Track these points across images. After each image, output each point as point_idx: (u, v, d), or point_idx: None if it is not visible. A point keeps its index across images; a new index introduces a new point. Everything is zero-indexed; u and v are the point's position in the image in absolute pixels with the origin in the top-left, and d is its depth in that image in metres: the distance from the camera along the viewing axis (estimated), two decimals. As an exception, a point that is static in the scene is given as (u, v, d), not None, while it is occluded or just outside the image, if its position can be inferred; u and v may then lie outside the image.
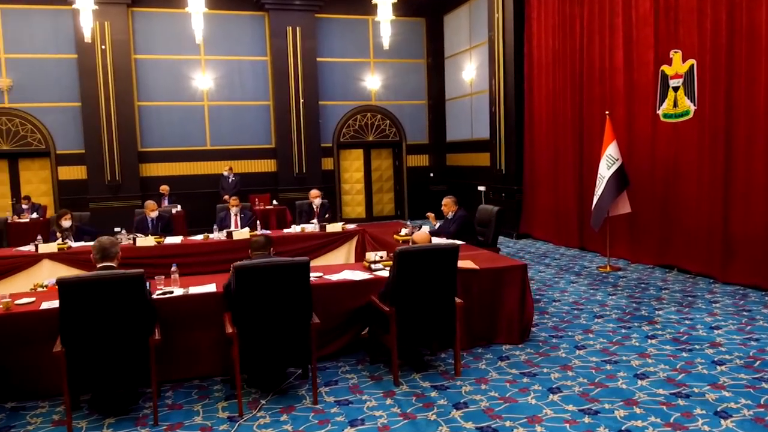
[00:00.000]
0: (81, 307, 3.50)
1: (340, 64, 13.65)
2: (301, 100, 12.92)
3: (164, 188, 11.77)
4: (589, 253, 8.92)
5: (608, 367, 4.34)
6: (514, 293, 4.93)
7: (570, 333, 5.16)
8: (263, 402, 3.95)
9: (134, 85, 12.36)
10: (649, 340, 4.89)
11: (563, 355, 4.63)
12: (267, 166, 13.27)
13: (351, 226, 7.73)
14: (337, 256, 7.34)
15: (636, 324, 5.35)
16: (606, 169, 7.46)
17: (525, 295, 4.97)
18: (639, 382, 4.04)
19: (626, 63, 8.09)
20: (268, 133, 13.29)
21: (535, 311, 5.77)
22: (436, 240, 6.44)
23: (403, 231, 6.68)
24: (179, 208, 10.93)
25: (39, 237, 6.94)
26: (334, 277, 4.77)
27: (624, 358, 4.51)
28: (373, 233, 7.23)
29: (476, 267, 4.90)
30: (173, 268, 4.67)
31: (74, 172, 12.20)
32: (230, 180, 11.91)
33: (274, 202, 11.73)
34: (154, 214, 7.85)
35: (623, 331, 5.17)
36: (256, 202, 11.50)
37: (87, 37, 10.33)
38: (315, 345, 3.95)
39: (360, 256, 7.11)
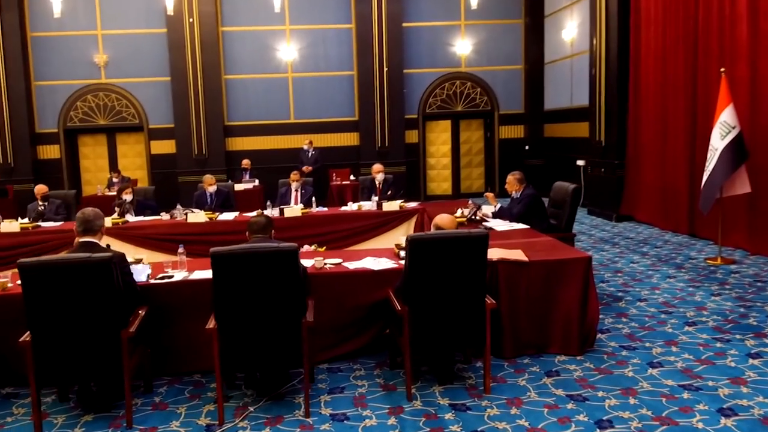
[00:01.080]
0: (44, 294, 3.16)
1: (428, 28, 12.76)
2: (385, 69, 12.24)
3: (246, 162, 11.68)
4: (700, 241, 7.54)
5: (685, 395, 3.35)
6: (573, 292, 4.02)
7: (647, 344, 4.15)
8: (251, 409, 3.44)
9: (221, 58, 12.34)
10: (751, 360, 3.79)
11: (630, 374, 3.68)
12: (350, 139, 12.79)
13: (412, 204, 7.03)
14: (393, 237, 6.63)
15: (738, 336, 4.22)
16: (719, 140, 6.15)
17: (588, 294, 4.04)
18: (723, 420, 3.04)
19: (750, 8, 6.59)
20: (351, 105, 12.79)
21: (613, 313, 4.82)
22: (496, 223, 5.61)
23: (459, 211, 5.88)
24: (257, 182, 10.80)
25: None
26: (353, 265, 4.14)
27: (710, 383, 3.48)
28: (432, 213, 6.47)
29: (525, 259, 4.03)
30: (180, 250, 4.26)
31: (165, 146, 12.47)
32: (309, 154, 11.58)
33: (351, 177, 11.27)
34: (212, 189, 7.63)
35: (718, 345, 4.08)
36: (334, 177, 11.11)
37: (170, 9, 10.40)
38: (307, 346, 3.36)
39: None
